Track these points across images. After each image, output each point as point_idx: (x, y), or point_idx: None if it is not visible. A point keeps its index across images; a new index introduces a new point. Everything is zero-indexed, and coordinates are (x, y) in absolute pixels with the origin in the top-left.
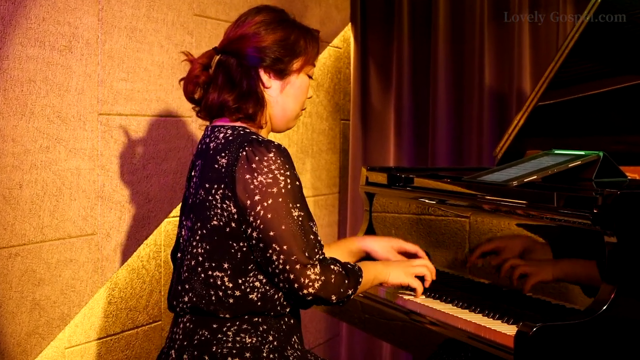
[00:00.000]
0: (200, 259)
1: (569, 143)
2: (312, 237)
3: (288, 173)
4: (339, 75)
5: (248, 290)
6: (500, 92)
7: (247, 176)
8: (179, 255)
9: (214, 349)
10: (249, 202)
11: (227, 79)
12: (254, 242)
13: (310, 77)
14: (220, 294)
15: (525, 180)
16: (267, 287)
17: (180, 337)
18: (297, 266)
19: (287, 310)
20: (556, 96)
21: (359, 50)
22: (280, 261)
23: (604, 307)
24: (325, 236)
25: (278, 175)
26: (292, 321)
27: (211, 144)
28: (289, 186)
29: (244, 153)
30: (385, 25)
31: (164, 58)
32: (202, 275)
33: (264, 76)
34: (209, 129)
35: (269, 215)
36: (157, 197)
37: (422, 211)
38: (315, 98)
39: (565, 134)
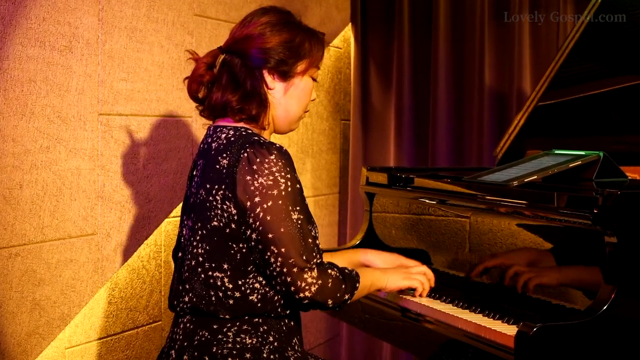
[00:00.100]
0: (201, 259)
1: (569, 143)
2: (310, 240)
3: (289, 176)
4: (339, 75)
5: (248, 291)
6: (500, 92)
7: (248, 178)
8: (180, 254)
9: (214, 350)
10: (249, 203)
11: (231, 79)
12: (253, 243)
13: (314, 79)
14: (220, 294)
15: (525, 180)
16: (267, 289)
17: (181, 337)
18: (294, 269)
19: (288, 312)
20: (556, 96)
21: (359, 50)
22: (278, 264)
23: (604, 307)
24: (325, 236)
25: (279, 178)
26: (292, 323)
27: (213, 144)
28: (290, 189)
29: (245, 154)
30: (385, 25)
31: (164, 58)
32: (202, 275)
33: (267, 77)
34: (212, 128)
35: (269, 218)
36: (158, 197)
37: (422, 211)
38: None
39: (566, 134)
